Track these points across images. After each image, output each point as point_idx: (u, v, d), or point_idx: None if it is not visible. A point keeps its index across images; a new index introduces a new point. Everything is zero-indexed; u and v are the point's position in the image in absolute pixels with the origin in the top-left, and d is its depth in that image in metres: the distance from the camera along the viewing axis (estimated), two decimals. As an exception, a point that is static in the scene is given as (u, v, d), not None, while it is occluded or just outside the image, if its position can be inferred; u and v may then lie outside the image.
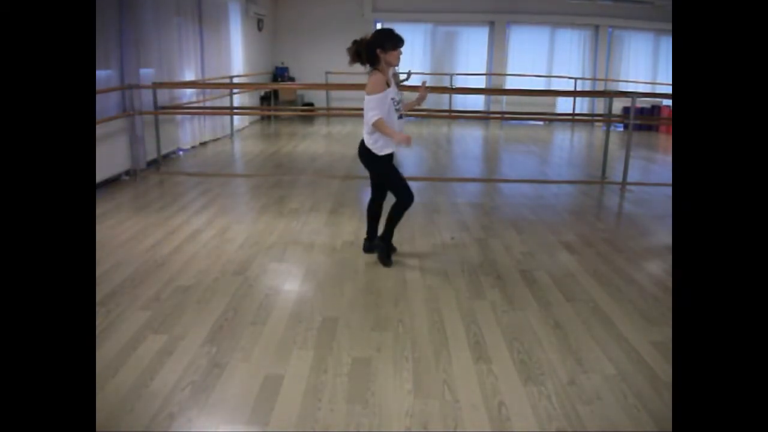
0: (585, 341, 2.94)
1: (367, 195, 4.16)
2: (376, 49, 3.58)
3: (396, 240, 4.35)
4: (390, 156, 3.78)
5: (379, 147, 3.70)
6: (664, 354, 2.81)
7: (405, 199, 3.79)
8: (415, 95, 3.99)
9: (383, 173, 3.84)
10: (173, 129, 7.95)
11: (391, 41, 3.58)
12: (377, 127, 3.58)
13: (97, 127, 5.59)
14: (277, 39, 13.19)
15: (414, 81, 9.70)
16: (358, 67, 3.72)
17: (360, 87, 4.07)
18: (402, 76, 8.01)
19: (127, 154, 6.50)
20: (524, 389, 2.49)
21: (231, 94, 10.23)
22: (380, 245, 3.98)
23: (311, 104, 13.07)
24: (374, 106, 3.57)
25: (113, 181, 6.22)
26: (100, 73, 6.08)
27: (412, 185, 3.85)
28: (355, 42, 3.66)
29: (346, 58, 3.66)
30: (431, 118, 12.16)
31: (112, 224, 4.73)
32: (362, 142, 3.78)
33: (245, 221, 4.94)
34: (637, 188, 6.56)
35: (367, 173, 3.99)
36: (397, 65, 3.72)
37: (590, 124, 12.53)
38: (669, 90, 9.93)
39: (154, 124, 6.86)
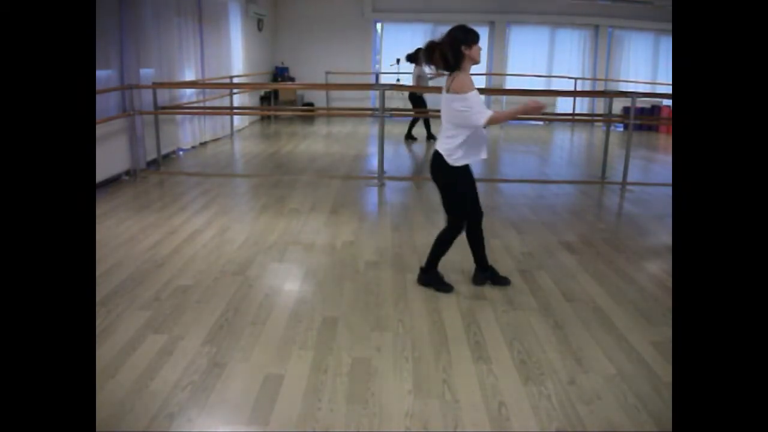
0: (585, 341, 2.94)
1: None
2: (461, 47, 3.15)
3: (395, 240, 4.35)
4: (466, 168, 3.32)
5: (458, 157, 3.23)
6: (664, 354, 2.81)
7: (457, 225, 3.39)
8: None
9: (452, 184, 3.33)
10: (173, 129, 7.95)
11: (472, 34, 3.17)
12: (496, 120, 3.14)
13: (97, 127, 5.58)
14: (277, 39, 13.18)
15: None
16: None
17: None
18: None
19: (127, 154, 6.49)
20: (524, 389, 2.49)
21: (231, 94, 10.23)
22: (425, 278, 3.53)
23: (311, 104, 13.05)
24: (477, 106, 3.11)
25: (113, 181, 6.22)
26: (100, 73, 6.08)
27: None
28: (434, 46, 3.20)
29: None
30: (431, 118, 12.15)
31: (112, 224, 4.73)
32: (435, 154, 3.30)
33: (245, 221, 4.94)
34: (637, 188, 6.56)
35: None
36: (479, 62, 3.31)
37: (590, 124, 12.52)
38: (669, 90, 9.93)
39: (154, 124, 6.86)
